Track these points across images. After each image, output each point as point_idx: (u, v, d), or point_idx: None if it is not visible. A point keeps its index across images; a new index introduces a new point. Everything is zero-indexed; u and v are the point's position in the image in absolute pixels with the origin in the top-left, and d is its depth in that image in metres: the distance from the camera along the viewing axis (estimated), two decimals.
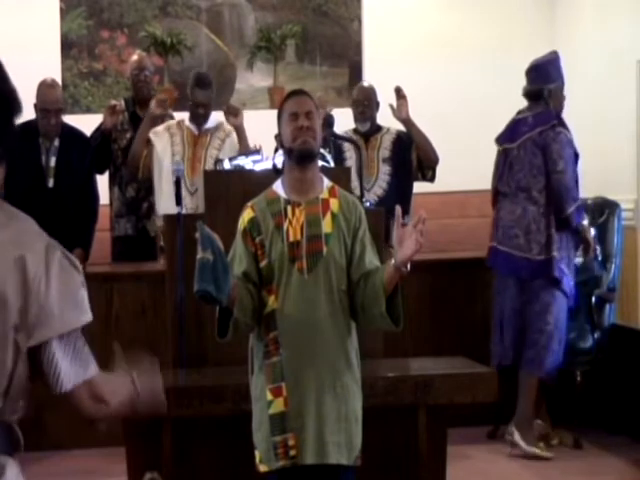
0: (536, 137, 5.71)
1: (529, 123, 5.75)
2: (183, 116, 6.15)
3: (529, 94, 5.81)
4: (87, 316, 2.13)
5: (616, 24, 7.20)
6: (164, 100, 6.12)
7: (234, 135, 5.96)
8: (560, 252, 5.63)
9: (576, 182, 5.70)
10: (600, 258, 6.10)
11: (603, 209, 6.29)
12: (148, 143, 5.95)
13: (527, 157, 5.73)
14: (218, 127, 6.00)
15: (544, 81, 5.76)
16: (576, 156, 5.73)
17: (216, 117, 6.07)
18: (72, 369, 2.10)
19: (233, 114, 5.97)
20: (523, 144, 5.74)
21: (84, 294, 2.14)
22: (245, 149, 5.82)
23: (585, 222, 5.77)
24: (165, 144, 5.90)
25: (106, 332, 5.68)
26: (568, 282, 5.67)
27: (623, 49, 7.05)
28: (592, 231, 5.85)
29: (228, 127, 6.01)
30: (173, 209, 5.01)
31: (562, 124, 5.72)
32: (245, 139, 5.91)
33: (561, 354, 5.68)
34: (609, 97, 7.19)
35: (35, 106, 6.02)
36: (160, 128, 5.99)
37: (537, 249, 5.65)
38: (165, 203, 5.65)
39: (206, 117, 5.99)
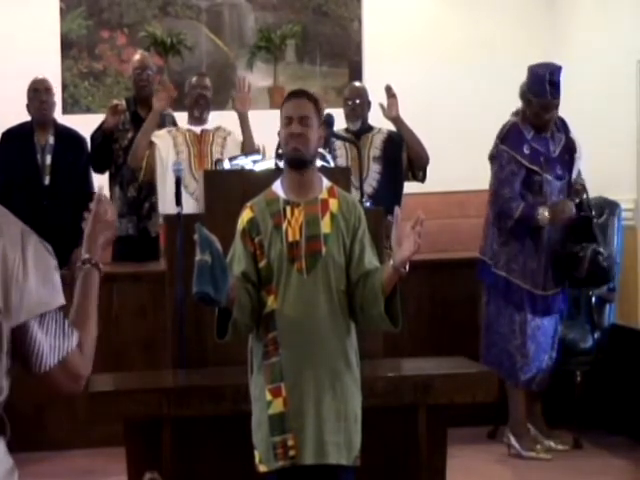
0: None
1: None
2: (183, 116, 6.15)
3: None
4: (61, 299, 2.15)
5: (616, 24, 7.20)
6: (163, 93, 6.06)
7: (234, 134, 5.96)
8: (500, 253, 5.60)
9: (514, 196, 5.50)
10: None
11: (603, 209, 6.27)
12: (150, 145, 5.93)
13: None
14: (217, 128, 6.03)
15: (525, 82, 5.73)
16: (531, 171, 5.54)
17: (213, 121, 6.05)
18: (51, 349, 2.12)
19: (242, 99, 5.95)
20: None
21: (58, 277, 2.16)
22: (249, 139, 5.82)
23: (540, 213, 5.47)
24: (168, 145, 5.89)
25: (106, 332, 5.69)
26: (501, 280, 5.59)
27: (623, 49, 7.04)
28: (545, 213, 5.48)
29: (227, 128, 6.01)
30: (176, 210, 4.99)
31: (507, 137, 5.58)
32: (249, 129, 5.88)
33: (505, 356, 5.59)
34: (609, 97, 7.19)
35: (28, 107, 6.07)
36: (162, 131, 5.98)
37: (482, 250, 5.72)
38: (170, 204, 5.57)
39: (208, 104, 5.99)
